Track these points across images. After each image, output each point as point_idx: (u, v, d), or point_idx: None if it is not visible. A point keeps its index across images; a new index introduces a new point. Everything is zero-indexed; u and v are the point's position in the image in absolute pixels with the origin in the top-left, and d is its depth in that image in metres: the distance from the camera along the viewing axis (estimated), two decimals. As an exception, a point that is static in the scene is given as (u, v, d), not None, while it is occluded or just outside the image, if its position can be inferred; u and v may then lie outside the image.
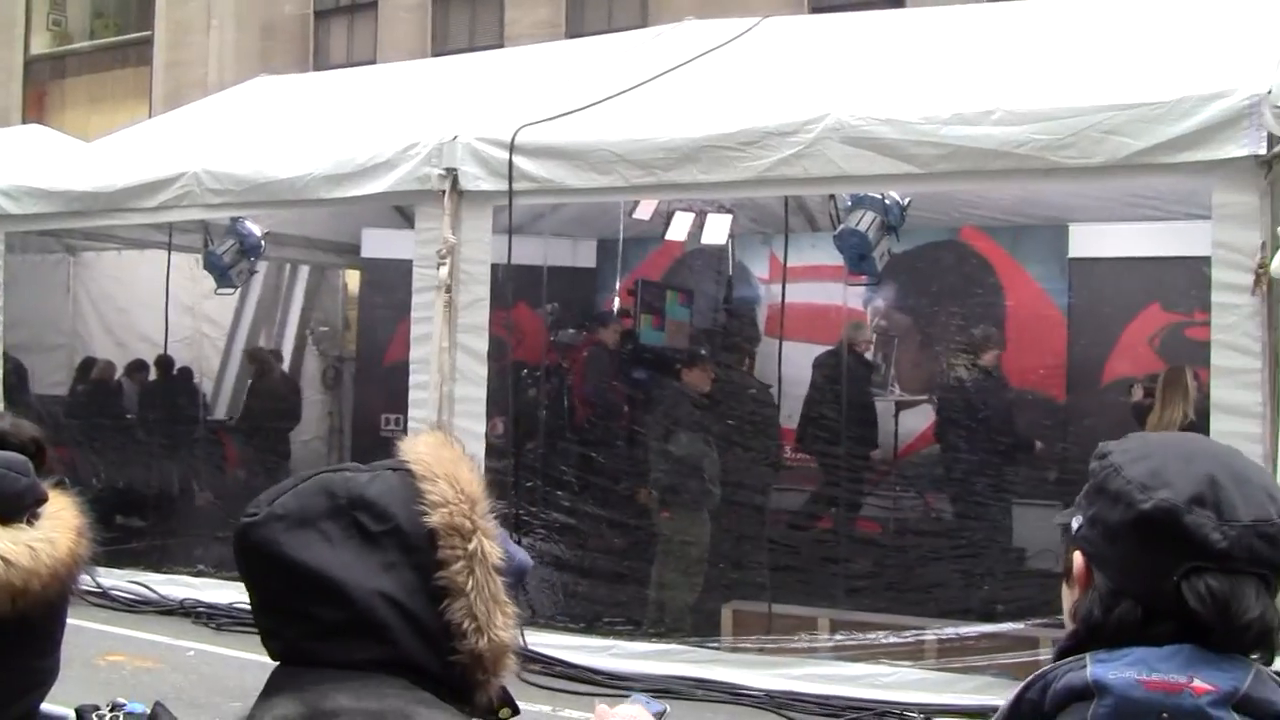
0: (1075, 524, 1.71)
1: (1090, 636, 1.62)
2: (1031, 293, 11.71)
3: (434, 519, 1.67)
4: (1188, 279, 8.65)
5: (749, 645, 8.25)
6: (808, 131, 7.74)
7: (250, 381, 14.45)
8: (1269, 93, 6.59)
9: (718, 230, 11.55)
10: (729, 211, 11.36)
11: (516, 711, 1.85)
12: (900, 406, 11.54)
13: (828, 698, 7.56)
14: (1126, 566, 1.62)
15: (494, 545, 1.71)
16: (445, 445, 1.79)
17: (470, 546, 1.68)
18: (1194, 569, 1.55)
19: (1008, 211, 11.03)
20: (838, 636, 8.11)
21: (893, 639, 7.87)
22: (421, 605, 1.63)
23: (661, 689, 7.63)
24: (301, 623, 1.62)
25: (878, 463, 10.42)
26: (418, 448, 1.77)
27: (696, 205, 11.22)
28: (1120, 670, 1.55)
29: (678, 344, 12.23)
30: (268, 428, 13.75)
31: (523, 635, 8.37)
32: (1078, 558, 1.69)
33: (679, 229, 11.56)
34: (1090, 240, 11.37)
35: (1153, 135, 6.89)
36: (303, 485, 1.69)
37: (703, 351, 11.24)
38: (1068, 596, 1.74)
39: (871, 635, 7.95)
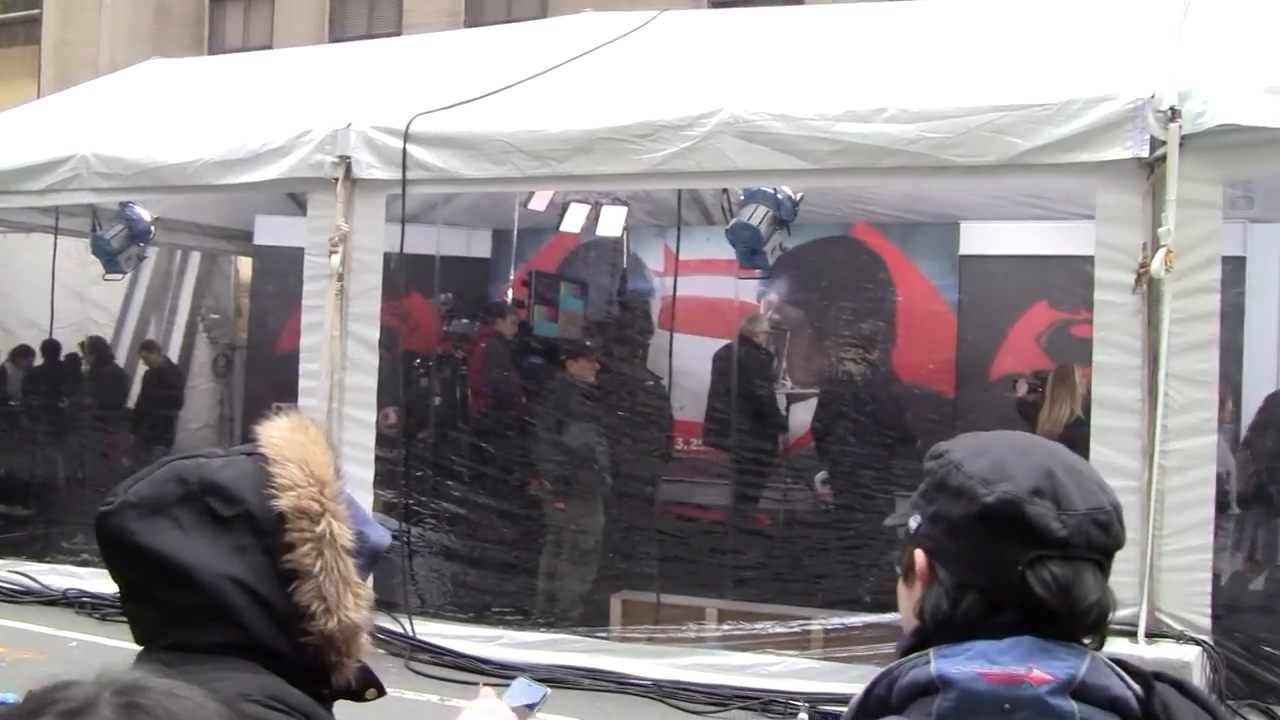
0: (914, 523, 1.74)
1: (938, 630, 1.65)
2: (922, 289, 11.85)
3: (282, 502, 1.68)
4: (1074, 277, 8.82)
5: (637, 635, 8.29)
6: (702, 125, 7.78)
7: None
8: (1152, 97, 6.74)
9: (612, 222, 11.58)
10: (624, 204, 11.39)
11: (382, 692, 1.86)
12: (791, 399, 11.63)
13: (715, 687, 7.61)
14: (971, 560, 1.65)
15: (344, 527, 1.71)
16: (300, 429, 1.79)
17: (319, 529, 1.68)
18: (1038, 558, 1.60)
19: (900, 208, 11.17)
20: (725, 626, 8.17)
21: (779, 629, 7.95)
22: (271, 588, 1.64)
23: (549, 679, 7.64)
24: (156, 608, 1.64)
25: (768, 455, 10.48)
26: (272, 432, 1.78)
27: (592, 197, 11.24)
28: (962, 664, 1.58)
29: (571, 335, 12.24)
30: (154, 415, 13.58)
31: (411, 625, 8.38)
32: (919, 556, 1.71)
33: (574, 220, 11.57)
34: (980, 238, 11.53)
35: (1040, 136, 7.02)
36: (156, 473, 1.71)
37: (588, 343, 11.26)
38: (905, 596, 1.76)
39: (759, 625, 8.01)
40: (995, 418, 10.66)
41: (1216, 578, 8.95)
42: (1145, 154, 6.76)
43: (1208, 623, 6.72)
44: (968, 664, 1.58)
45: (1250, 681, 7.04)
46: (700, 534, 10.03)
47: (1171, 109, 6.66)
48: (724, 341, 11.05)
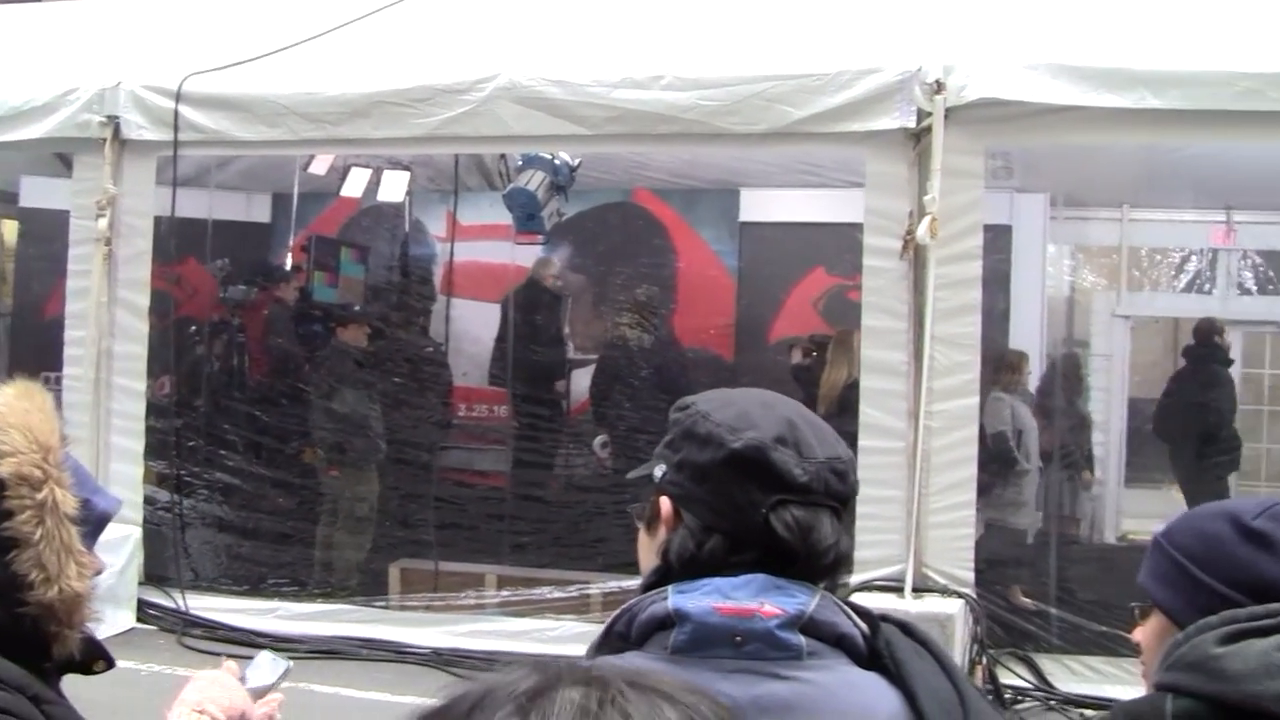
0: (659, 472, 1.81)
1: (682, 570, 1.71)
2: (703, 255, 11.99)
3: (2, 469, 1.63)
4: (849, 244, 9.00)
5: (416, 603, 8.26)
6: (479, 90, 7.75)
7: None
8: (919, 70, 6.93)
9: (394, 187, 11.44)
10: (406, 168, 11.26)
11: (111, 664, 1.82)
12: (572, 365, 11.69)
13: (494, 653, 7.60)
14: (716, 503, 1.72)
15: (67, 494, 1.68)
16: (26, 396, 1.75)
17: (40, 496, 1.64)
18: (780, 501, 1.68)
19: (680, 175, 11.25)
20: (504, 593, 8.19)
21: (558, 594, 8.00)
22: None
23: (327, 650, 7.58)
24: None
25: (547, 420, 10.52)
26: None
27: (374, 161, 11.09)
28: (698, 599, 1.64)
29: (351, 301, 12.07)
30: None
31: (184, 600, 8.21)
32: (665, 502, 1.77)
33: (355, 185, 11.38)
34: (760, 205, 11.70)
35: (812, 105, 7.17)
36: None
37: (357, 308, 11.11)
38: (647, 544, 1.83)
39: (538, 591, 8.06)
40: (773, 382, 10.88)
41: (1024, 533, 9.39)
42: (912, 125, 6.98)
43: (971, 576, 6.98)
44: (703, 599, 1.64)
45: (1009, 630, 7.36)
46: (479, 500, 10.03)
47: (937, 82, 6.86)
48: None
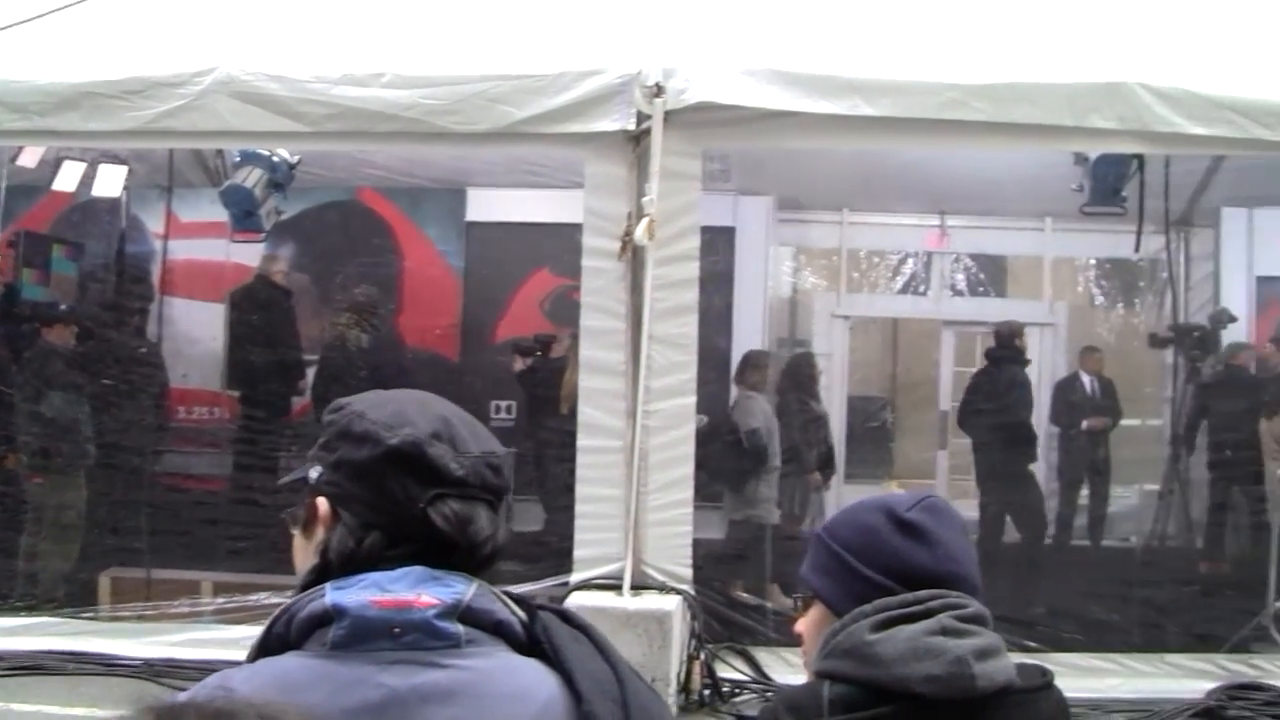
0: (314, 474, 1.82)
1: (343, 567, 1.72)
2: (427, 254, 11.92)
3: None
4: (573, 245, 9.05)
5: (127, 613, 7.96)
6: (195, 84, 7.51)
7: None
8: (639, 73, 7.00)
9: (111, 182, 11.00)
10: (124, 162, 10.85)
11: None
12: (306, 365, 11.45)
13: (209, 662, 7.35)
14: (374, 500, 1.75)
15: None
16: None
17: None
18: (438, 495, 1.73)
19: (405, 174, 11.14)
20: (220, 600, 7.98)
21: (276, 599, 7.82)
22: None
23: (29, 666, 7.24)
24: None
25: (261, 422, 10.28)
26: None
27: (89, 154, 10.66)
28: (356, 594, 1.66)
29: (63, 300, 11.58)
30: None
31: None
32: (322, 503, 1.79)
33: (68, 179, 10.90)
34: (486, 205, 11.70)
35: (533, 106, 7.16)
36: None
37: (63, 306, 10.66)
38: (303, 547, 1.85)
39: (254, 597, 7.87)
40: (496, 383, 10.95)
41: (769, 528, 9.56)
42: (631, 127, 7.03)
43: (689, 573, 7.08)
44: (360, 593, 1.66)
45: (727, 625, 7.50)
46: (194, 505, 9.75)
47: (657, 85, 6.94)
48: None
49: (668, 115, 6.94)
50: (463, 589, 1.68)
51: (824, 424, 11.19)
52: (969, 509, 13.87)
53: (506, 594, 1.76)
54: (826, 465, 11.00)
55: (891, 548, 2.13)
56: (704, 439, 8.23)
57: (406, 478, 1.73)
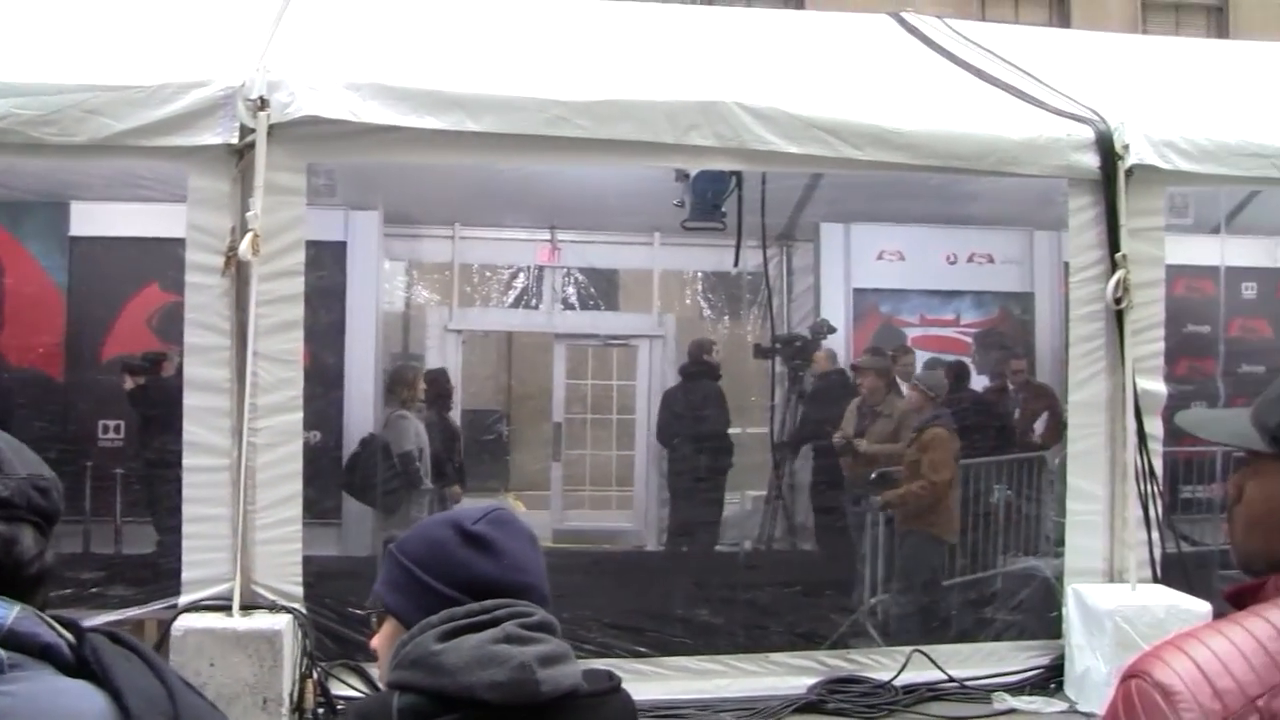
0: None
1: None
2: (30, 270, 11.36)
3: None
4: (180, 260, 8.85)
5: None
6: None
7: None
8: (243, 85, 6.91)
9: None
10: None
11: None
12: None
13: None
14: None
15: None
16: None
17: None
18: None
19: (6, 187, 10.62)
20: None
21: None
22: None
23: None
24: None
25: None
26: None
27: None
28: None
29: None
30: None
31: None
32: None
33: None
34: (92, 219, 11.25)
35: (134, 118, 6.96)
36: None
37: None
38: None
39: None
40: (105, 401, 10.57)
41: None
42: (235, 140, 6.92)
43: (300, 591, 7.02)
44: None
45: (341, 642, 7.46)
46: None
47: (261, 99, 6.87)
48: None
49: (272, 129, 6.87)
50: (4, 612, 1.65)
51: (459, 437, 11.32)
52: (583, 520, 14.28)
53: (53, 616, 1.73)
54: (461, 479, 11.12)
55: (458, 560, 2.20)
56: (314, 455, 8.21)
57: None
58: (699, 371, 11.97)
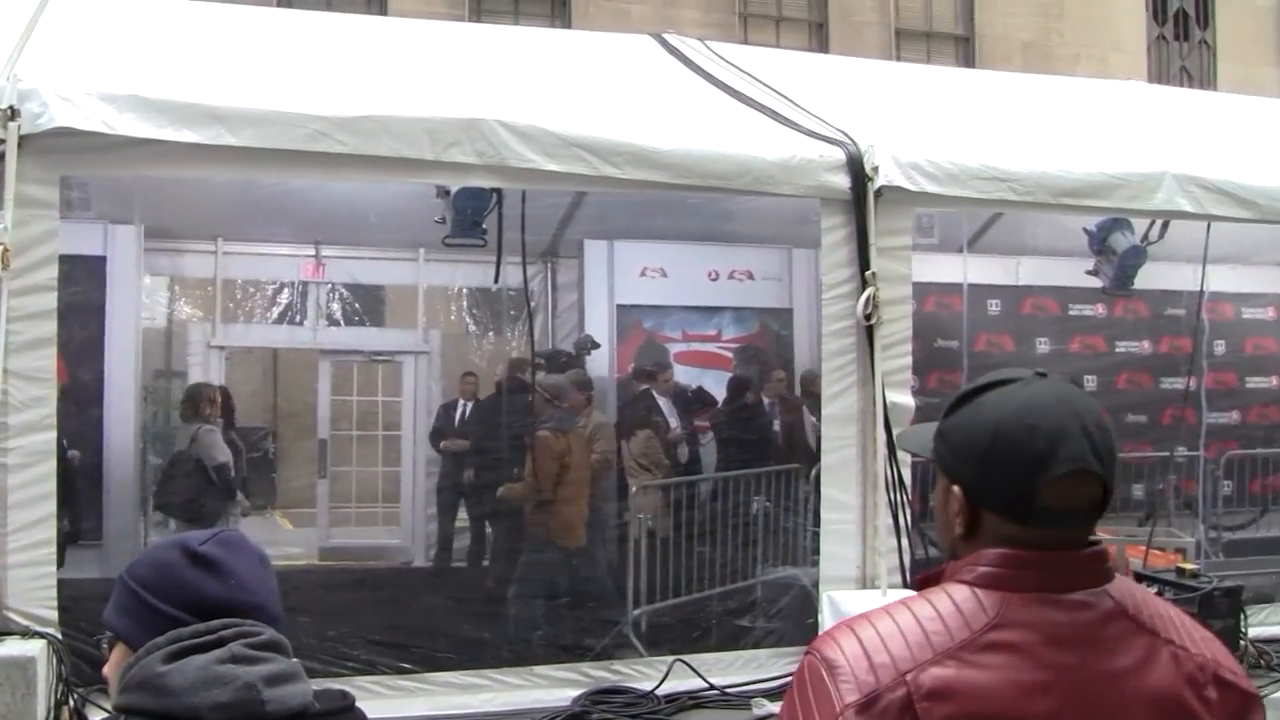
0: None
1: None
2: None
3: None
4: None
5: None
6: None
7: None
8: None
9: None
10: None
11: None
12: None
13: None
14: None
15: None
16: None
17: None
18: None
19: None
20: None
21: None
22: None
23: None
24: None
25: None
26: None
27: None
28: None
29: None
30: None
31: None
32: None
33: None
34: None
35: None
36: None
37: None
38: None
39: None
40: None
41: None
42: (-14, 154, 6.69)
43: (55, 615, 6.82)
44: None
45: (98, 667, 7.24)
46: None
47: (11, 108, 6.65)
48: None
49: (23, 140, 6.64)
50: None
51: (243, 453, 11.20)
52: (350, 537, 14.17)
53: None
54: (246, 492, 11.05)
55: (185, 581, 2.22)
56: (73, 474, 7.98)
57: None
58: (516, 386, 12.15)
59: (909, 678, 1.93)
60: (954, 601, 2.03)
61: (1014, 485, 2.06)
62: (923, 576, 2.20)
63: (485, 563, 11.89)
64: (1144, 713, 2.01)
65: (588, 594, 9.95)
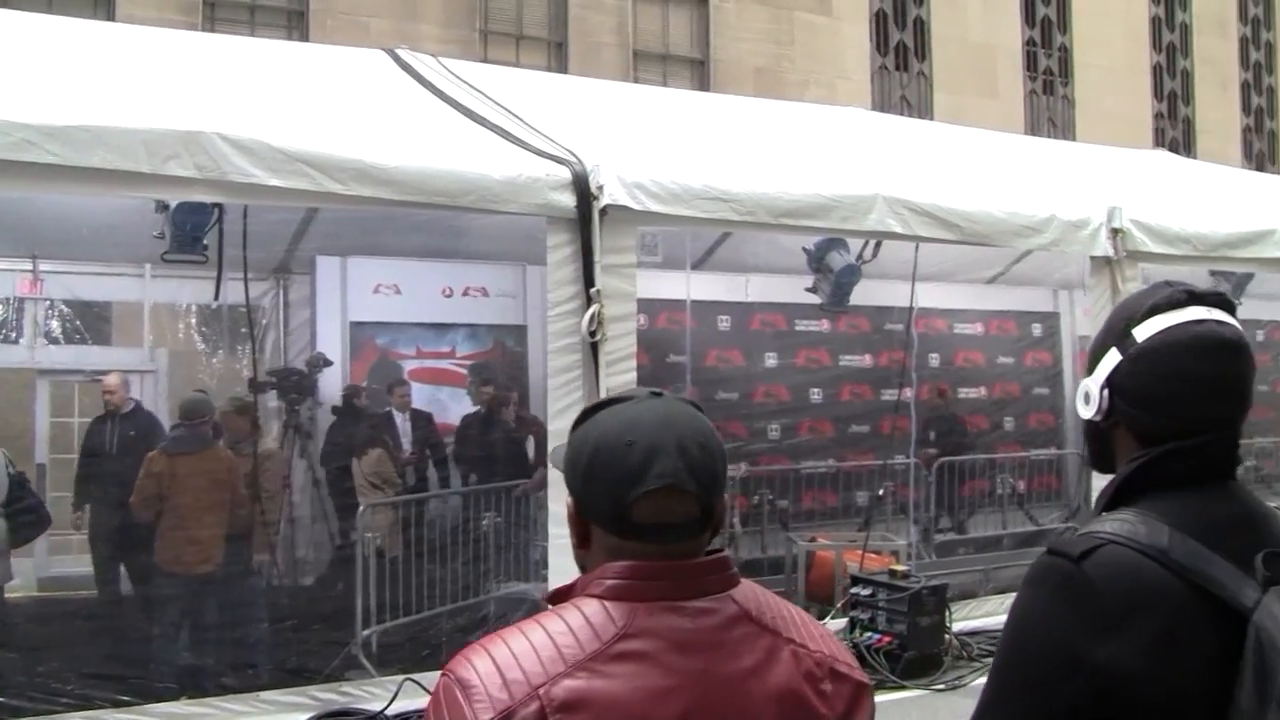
0: None
1: None
2: None
3: None
4: None
5: None
6: None
7: None
8: None
9: None
10: None
11: None
12: None
13: None
14: None
15: None
16: None
17: None
18: None
19: None
20: None
21: None
22: None
23: None
24: None
25: None
26: None
27: None
28: None
29: None
30: None
31: None
32: None
33: None
34: None
35: None
36: None
37: None
38: None
39: None
40: None
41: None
42: None
43: None
44: None
45: None
46: None
47: None
48: None
49: None
50: None
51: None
52: (70, 565, 13.66)
53: None
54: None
55: None
56: None
57: None
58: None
59: (541, 691, 1.99)
60: (584, 615, 2.10)
61: (610, 499, 2.15)
62: (555, 592, 2.27)
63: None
64: (767, 710, 2.12)
65: (313, 616, 9.83)
